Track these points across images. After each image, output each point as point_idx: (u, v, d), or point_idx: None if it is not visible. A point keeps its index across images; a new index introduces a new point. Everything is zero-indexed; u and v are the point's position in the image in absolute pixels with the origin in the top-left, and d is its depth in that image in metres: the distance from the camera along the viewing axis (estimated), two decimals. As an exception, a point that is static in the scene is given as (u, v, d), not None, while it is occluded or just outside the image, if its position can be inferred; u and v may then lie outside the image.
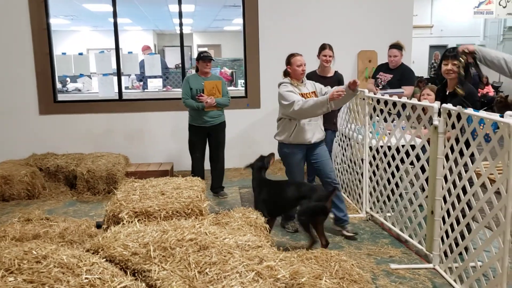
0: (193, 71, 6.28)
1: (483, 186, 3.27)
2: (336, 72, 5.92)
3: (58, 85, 8.21)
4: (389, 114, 4.76)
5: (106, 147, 7.28)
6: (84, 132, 7.38)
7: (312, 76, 5.99)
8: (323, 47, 5.86)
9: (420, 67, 15.20)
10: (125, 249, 2.61)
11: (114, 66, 7.43)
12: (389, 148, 4.75)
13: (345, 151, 5.98)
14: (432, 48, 18.25)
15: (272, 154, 4.71)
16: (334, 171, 4.78)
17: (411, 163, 4.37)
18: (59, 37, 16.60)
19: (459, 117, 3.51)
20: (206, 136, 6.10)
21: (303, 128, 4.68)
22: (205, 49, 18.02)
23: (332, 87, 5.65)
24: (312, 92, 4.77)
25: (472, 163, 3.43)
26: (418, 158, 4.22)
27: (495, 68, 3.49)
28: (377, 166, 5.03)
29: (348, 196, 5.93)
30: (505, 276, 3.04)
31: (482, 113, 3.23)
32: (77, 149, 7.18)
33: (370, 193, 5.25)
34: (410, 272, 3.94)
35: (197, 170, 6.02)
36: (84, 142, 7.34)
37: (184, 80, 6.11)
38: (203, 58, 5.95)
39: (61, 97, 7.76)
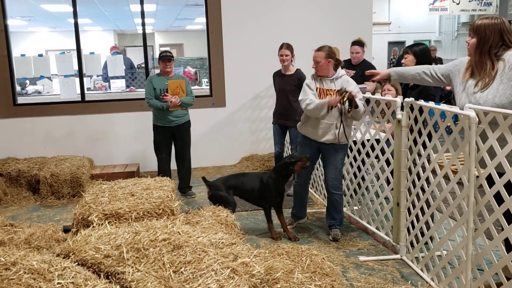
0: (156, 71, 6.24)
1: (446, 177, 3.38)
2: (297, 70, 5.91)
3: (17, 88, 7.98)
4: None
5: (70, 150, 7.13)
6: (46, 135, 7.21)
7: (276, 75, 6.12)
8: (280, 46, 5.90)
9: (380, 63, 15.56)
10: (97, 252, 2.58)
11: (76, 67, 7.28)
12: (355, 142, 4.84)
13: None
14: (391, 44, 18.67)
15: (302, 160, 4.53)
16: (338, 179, 4.57)
17: (376, 157, 4.47)
18: (16, 39, 16.10)
19: (421, 110, 3.62)
20: (171, 136, 6.06)
21: (312, 123, 4.50)
22: (167, 48, 17.84)
23: (293, 85, 5.76)
24: (333, 90, 4.45)
25: (435, 155, 3.55)
26: (383, 151, 4.32)
27: (420, 82, 3.68)
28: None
29: (315, 192, 6.01)
30: (469, 263, 3.16)
31: (443, 106, 3.34)
32: (39, 153, 7.01)
33: (337, 188, 5.32)
34: (379, 263, 4.03)
35: (163, 171, 5.98)
36: (46, 146, 7.17)
37: (147, 80, 6.05)
38: (162, 58, 5.91)
39: (20, 100, 7.55)
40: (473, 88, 3.18)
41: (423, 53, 4.32)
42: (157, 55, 6.67)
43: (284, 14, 7.57)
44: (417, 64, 4.30)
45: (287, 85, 5.82)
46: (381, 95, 4.59)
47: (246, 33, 7.47)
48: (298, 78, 5.74)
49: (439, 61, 11.24)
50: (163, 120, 5.94)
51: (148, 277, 2.28)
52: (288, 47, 5.85)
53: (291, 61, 5.88)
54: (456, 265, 3.33)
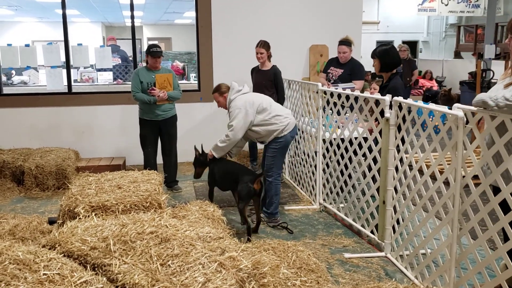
0: (144, 64, 6.19)
1: (432, 176, 3.41)
2: (273, 66, 6.34)
3: (3, 78, 7.87)
4: (342, 107, 4.87)
5: (55, 141, 7.05)
6: (32, 126, 7.13)
7: (253, 70, 6.48)
8: (257, 44, 6.26)
9: (368, 62, 15.61)
10: (84, 243, 2.56)
11: (63, 58, 7.20)
12: (342, 140, 4.87)
13: (299, 144, 6.08)
14: (379, 43, 18.77)
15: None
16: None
17: (364, 155, 4.50)
18: (2, 28, 15.95)
19: (409, 109, 3.64)
20: (158, 130, 6.01)
21: None
22: (156, 42, 17.69)
23: (268, 80, 6.23)
24: None
25: (422, 154, 3.58)
26: (370, 149, 4.34)
27: None
28: (330, 158, 5.15)
29: (301, 188, 6.03)
30: (453, 262, 3.19)
31: (432, 106, 3.37)
32: (24, 144, 6.93)
33: (324, 185, 5.36)
34: (363, 260, 4.06)
35: (149, 165, 5.92)
36: (31, 137, 7.08)
37: (133, 74, 5.95)
38: (153, 53, 5.79)
39: (6, 90, 7.46)
40: (501, 85, 3.00)
41: (384, 54, 4.47)
42: (145, 49, 6.60)
43: (274, 10, 7.56)
44: (382, 66, 4.46)
45: (263, 79, 6.14)
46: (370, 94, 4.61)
47: (236, 29, 7.45)
48: (274, 74, 6.27)
49: (407, 63, 10.41)
50: (150, 114, 5.89)
51: (135, 270, 2.27)
52: (264, 45, 6.22)
53: (268, 57, 6.28)
54: (440, 264, 3.37)
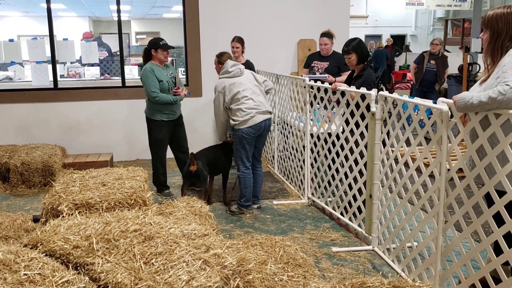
0: (131, 59, 6.09)
1: (418, 169, 3.42)
2: (247, 60, 6.53)
3: (-13, 74, 7.78)
4: (329, 101, 4.87)
5: (41, 138, 6.98)
6: (17, 122, 7.04)
7: None
8: (232, 39, 6.44)
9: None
10: (66, 242, 2.53)
11: (49, 53, 7.11)
12: (329, 134, 4.86)
13: (287, 138, 6.07)
14: (368, 37, 18.80)
15: None
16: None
17: (350, 149, 4.50)
18: (-15, 23, 15.71)
19: (395, 103, 3.64)
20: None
21: None
22: (144, 36, 17.54)
23: None
24: None
25: (408, 148, 3.58)
26: (357, 144, 4.34)
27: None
28: (318, 152, 5.14)
29: (290, 183, 6.03)
30: (439, 254, 3.21)
31: (417, 100, 3.37)
32: (9, 140, 6.85)
33: (312, 179, 5.36)
34: (351, 254, 4.07)
35: (163, 169, 5.68)
36: (17, 133, 7.01)
37: (148, 73, 5.32)
38: (164, 46, 5.41)
39: (-10, 86, 7.36)
40: (478, 83, 2.97)
41: (358, 46, 4.57)
42: (133, 43, 6.52)
43: (263, 4, 7.53)
44: (359, 58, 4.56)
45: None
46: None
47: (223, 23, 7.40)
48: (249, 67, 6.28)
49: (440, 60, 9.70)
50: (169, 114, 5.50)
51: (118, 268, 2.24)
52: (239, 40, 6.41)
53: (242, 52, 6.47)
54: (426, 257, 3.38)
